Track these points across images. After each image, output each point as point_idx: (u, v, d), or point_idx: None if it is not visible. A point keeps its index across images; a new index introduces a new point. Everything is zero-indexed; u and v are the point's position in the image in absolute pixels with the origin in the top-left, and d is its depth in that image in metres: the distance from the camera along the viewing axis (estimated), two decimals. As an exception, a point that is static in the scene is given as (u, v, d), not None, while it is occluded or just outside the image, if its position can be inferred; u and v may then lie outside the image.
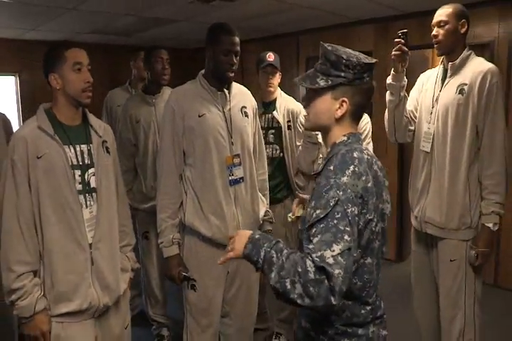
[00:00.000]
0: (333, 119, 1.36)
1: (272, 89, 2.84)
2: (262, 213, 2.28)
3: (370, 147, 2.68)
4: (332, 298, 1.14)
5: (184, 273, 2.11)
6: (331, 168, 1.28)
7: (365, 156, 1.33)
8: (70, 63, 1.69)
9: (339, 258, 1.15)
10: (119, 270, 1.87)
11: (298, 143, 2.69)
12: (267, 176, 2.41)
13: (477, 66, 2.15)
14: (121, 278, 1.87)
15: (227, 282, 2.22)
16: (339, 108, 1.34)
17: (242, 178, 2.14)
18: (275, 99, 2.87)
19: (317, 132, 2.49)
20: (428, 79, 2.37)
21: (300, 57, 4.96)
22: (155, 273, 3.07)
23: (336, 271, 1.14)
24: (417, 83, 2.46)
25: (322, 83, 1.34)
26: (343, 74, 1.32)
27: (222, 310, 2.25)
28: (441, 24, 2.16)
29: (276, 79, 2.86)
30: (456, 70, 2.19)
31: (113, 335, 1.85)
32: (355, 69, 1.31)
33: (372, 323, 1.36)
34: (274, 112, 2.82)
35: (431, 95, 2.28)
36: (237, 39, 2.07)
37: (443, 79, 2.26)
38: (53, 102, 1.77)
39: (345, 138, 1.36)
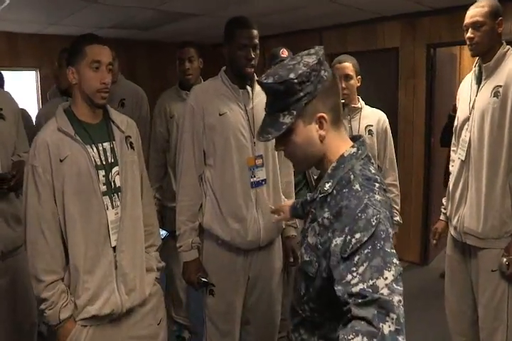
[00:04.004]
0: (319, 144, 1.15)
1: None
2: (285, 217, 2.19)
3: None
4: (399, 337, 0.94)
5: (203, 279, 2.04)
6: (357, 187, 1.09)
7: (373, 166, 1.18)
8: (88, 60, 1.63)
9: (394, 285, 0.97)
10: (145, 272, 1.81)
11: None
12: (292, 178, 2.31)
13: None
14: (146, 280, 1.81)
15: (248, 288, 2.14)
16: (320, 127, 1.14)
17: (264, 180, 2.05)
18: None
19: None
20: (464, 87, 2.25)
21: (323, 53, 4.86)
22: (180, 274, 3.00)
23: (396, 300, 0.96)
24: (457, 95, 2.32)
25: (288, 119, 1.12)
26: (302, 93, 1.10)
27: (244, 318, 2.17)
28: (477, 25, 2.00)
29: None
30: (492, 72, 2.05)
31: (141, 335, 1.81)
32: (311, 77, 1.09)
33: None
34: None
35: (467, 101, 2.15)
36: (254, 32, 1.96)
37: (478, 83, 2.12)
38: (72, 99, 1.72)
39: (354, 149, 1.16)
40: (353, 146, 1.17)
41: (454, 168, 2.25)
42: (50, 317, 1.62)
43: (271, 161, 2.09)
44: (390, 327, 0.93)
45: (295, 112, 1.11)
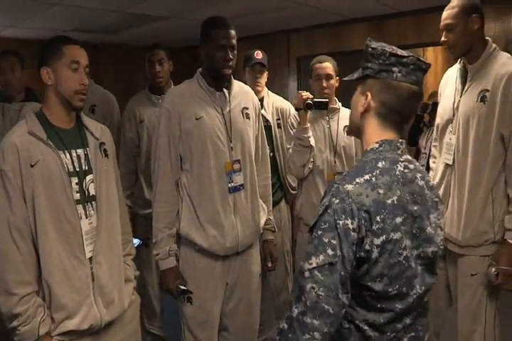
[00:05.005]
0: (358, 116, 1.25)
1: (259, 88, 2.77)
2: (262, 222, 2.15)
3: None
4: (305, 317, 1.06)
5: (182, 287, 1.99)
6: (344, 173, 1.19)
7: (400, 169, 1.18)
8: (67, 60, 1.56)
9: (315, 272, 1.07)
10: (123, 283, 1.73)
11: (288, 146, 2.59)
12: (270, 181, 2.30)
13: (500, 68, 1.92)
14: (125, 291, 1.74)
15: (226, 294, 2.09)
16: (364, 103, 1.22)
17: (242, 185, 2.02)
18: (262, 98, 2.79)
19: (309, 135, 2.41)
20: (447, 83, 2.19)
21: (291, 56, 4.86)
22: (154, 283, 2.91)
23: (308, 286, 1.07)
24: (439, 89, 2.28)
25: (356, 75, 1.26)
26: (369, 64, 1.21)
27: (221, 324, 2.12)
28: (449, 28, 1.96)
29: (264, 78, 2.81)
30: (477, 73, 1.98)
31: None
32: (379, 59, 1.19)
33: None
34: (262, 111, 2.72)
35: (451, 102, 2.08)
36: (231, 32, 1.94)
37: (463, 83, 2.05)
38: (44, 102, 1.62)
39: (376, 145, 1.21)
40: (377, 142, 1.22)
41: (436, 168, 2.21)
42: (25, 333, 1.49)
43: (248, 166, 2.05)
44: (298, 309, 1.08)
45: (361, 74, 1.24)
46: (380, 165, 1.16)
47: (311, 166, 2.48)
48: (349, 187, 1.11)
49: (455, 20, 1.95)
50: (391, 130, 1.23)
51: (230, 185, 1.98)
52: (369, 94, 1.21)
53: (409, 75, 1.19)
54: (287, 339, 1.09)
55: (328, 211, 1.10)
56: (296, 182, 2.81)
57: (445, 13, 1.99)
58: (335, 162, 2.50)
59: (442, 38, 2.02)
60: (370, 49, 1.21)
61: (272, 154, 2.76)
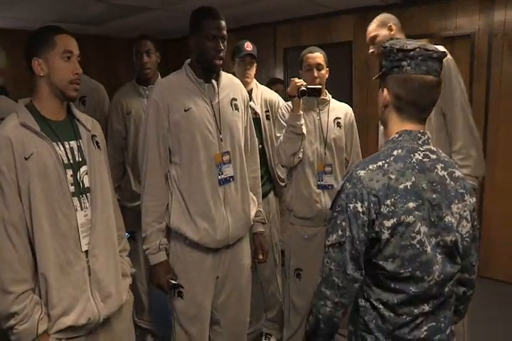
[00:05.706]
0: (381, 112, 1.34)
1: (248, 79, 2.75)
2: (253, 214, 2.14)
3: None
4: (320, 286, 1.25)
5: (173, 281, 1.96)
6: (360, 160, 1.28)
7: (417, 157, 1.23)
8: (59, 50, 1.52)
9: (330, 249, 1.23)
10: (120, 277, 1.70)
11: (278, 134, 2.58)
12: (259, 173, 2.28)
13: None
14: (122, 286, 1.70)
15: (217, 288, 2.08)
16: (383, 98, 1.31)
17: (232, 177, 2.00)
18: (251, 90, 2.77)
19: (301, 122, 2.41)
20: None
21: (277, 48, 4.85)
22: (142, 277, 2.89)
23: (325, 260, 1.24)
24: None
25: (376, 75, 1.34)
26: (384, 63, 1.28)
27: (213, 317, 2.11)
28: (373, 40, 2.26)
29: (253, 69, 2.79)
30: None
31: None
32: (390, 57, 1.26)
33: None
34: (251, 103, 2.70)
35: None
36: (222, 23, 1.91)
37: None
38: (34, 94, 1.57)
39: (396, 135, 1.28)
40: (397, 133, 1.28)
41: None
42: (23, 332, 1.45)
43: (238, 157, 2.03)
44: (320, 278, 1.26)
45: (380, 72, 1.31)
46: (395, 153, 1.23)
47: (301, 156, 2.47)
48: (361, 172, 1.21)
49: (375, 33, 2.27)
50: (410, 122, 1.28)
51: (219, 177, 1.95)
52: (386, 90, 1.29)
53: (419, 66, 1.22)
54: (315, 301, 1.29)
55: (341, 195, 1.23)
56: (285, 174, 2.80)
57: (368, 30, 2.30)
58: (325, 153, 2.50)
59: (370, 50, 2.31)
60: (382, 48, 1.28)
61: (260, 146, 2.74)
